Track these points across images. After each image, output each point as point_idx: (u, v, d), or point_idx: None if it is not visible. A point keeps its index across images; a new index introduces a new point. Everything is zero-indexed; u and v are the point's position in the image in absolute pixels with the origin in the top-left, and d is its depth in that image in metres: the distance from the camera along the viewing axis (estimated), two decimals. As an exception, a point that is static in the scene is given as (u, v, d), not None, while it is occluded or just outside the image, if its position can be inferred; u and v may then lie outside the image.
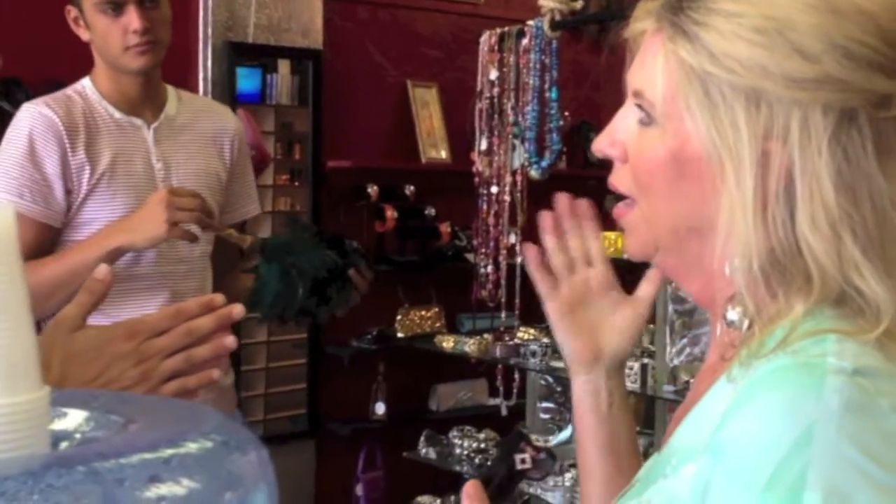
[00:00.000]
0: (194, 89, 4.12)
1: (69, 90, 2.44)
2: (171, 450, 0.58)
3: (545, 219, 1.26)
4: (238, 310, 1.26)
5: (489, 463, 0.92)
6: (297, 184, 4.56)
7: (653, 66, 0.96)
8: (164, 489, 0.56)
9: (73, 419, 0.66)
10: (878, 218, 0.89)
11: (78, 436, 0.65)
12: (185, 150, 2.49)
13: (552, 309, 1.25)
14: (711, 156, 0.92)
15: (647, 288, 1.26)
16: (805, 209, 0.88)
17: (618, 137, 1.01)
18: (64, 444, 0.64)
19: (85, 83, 2.44)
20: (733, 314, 0.94)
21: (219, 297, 1.27)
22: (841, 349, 0.85)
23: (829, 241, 0.88)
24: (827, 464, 0.80)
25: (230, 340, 1.24)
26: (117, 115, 2.42)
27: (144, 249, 2.31)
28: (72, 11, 2.41)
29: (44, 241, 2.34)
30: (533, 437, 0.95)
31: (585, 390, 1.23)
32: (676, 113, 0.94)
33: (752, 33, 0.89)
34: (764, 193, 0.89)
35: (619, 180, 1.02)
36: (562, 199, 1.27)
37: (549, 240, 1.26)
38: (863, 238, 0.88)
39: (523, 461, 0.97)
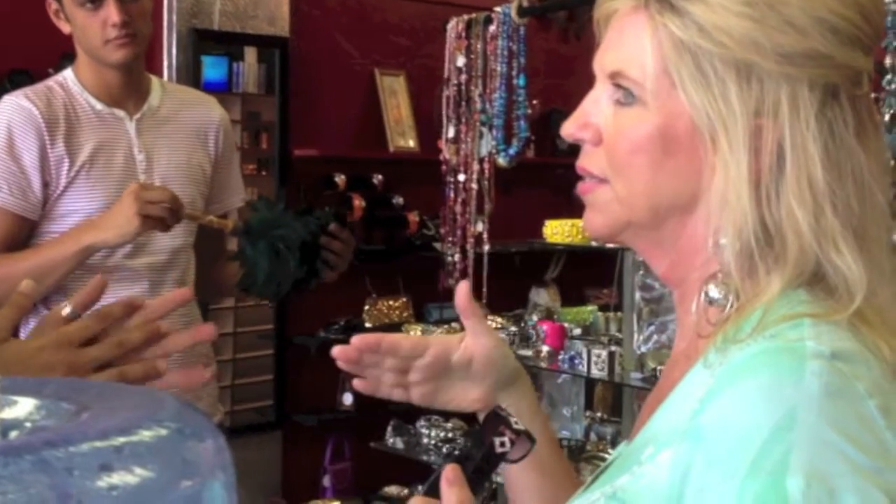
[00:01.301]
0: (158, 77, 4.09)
1: (51, 81, 2.44)
2: (124, 437, 0.57)
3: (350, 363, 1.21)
4: (166, 325, 1.24)
5: (466, 443, 0.90)
6: (263, 173, 4.53)
7: (636, 43, 0.94)
8: (115, 478, 0.54)
9: (24, 407, 0.64)
10: (860, 193, 0.90)
11: (28, 424, 0.63)
12: (168, 141, 2.48)
13: (424, 402, 1.23)
14: (705, 130, 0.91)
15: (469, 325, 1.21)
16: (793, 184, 0.89)
17: (591, 120, 0.99)
18: (14, 433, 0.62)
19: (67, 74, 2.44)
20: (716, 292, 0.93)
21: (139, 299, 1.27)
22: (817, 333, 0.86)
23: (812, 215, 0.88)
24: (809, 448, 0.80)
25: (162, 365, 1.22)
26: (99, 106, 2.41)
27: (118, 246, 2.31)
28: (52, 4, 2.41)
29: (20, 232, 2.35)
30: (512, 420, 0.92)
31: None
32: (665, 89, 0.93)
33: (742, 6, 0.89)
34: (757, 168, 0.89)
35: (591, 163, 1.00)
36: (349, 352, 1.21)
37: (362, 373, 1.22)
38: (844, 213, 0.89)
39: (503, 444, 0.95)
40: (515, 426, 0.95)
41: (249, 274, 2.32)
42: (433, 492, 0.92)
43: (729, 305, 0.92)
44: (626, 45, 0.95)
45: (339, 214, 2.39)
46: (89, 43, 2.37)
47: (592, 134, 0.99)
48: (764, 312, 0.88)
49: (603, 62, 0.98)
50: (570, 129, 1.01)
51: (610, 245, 3.27)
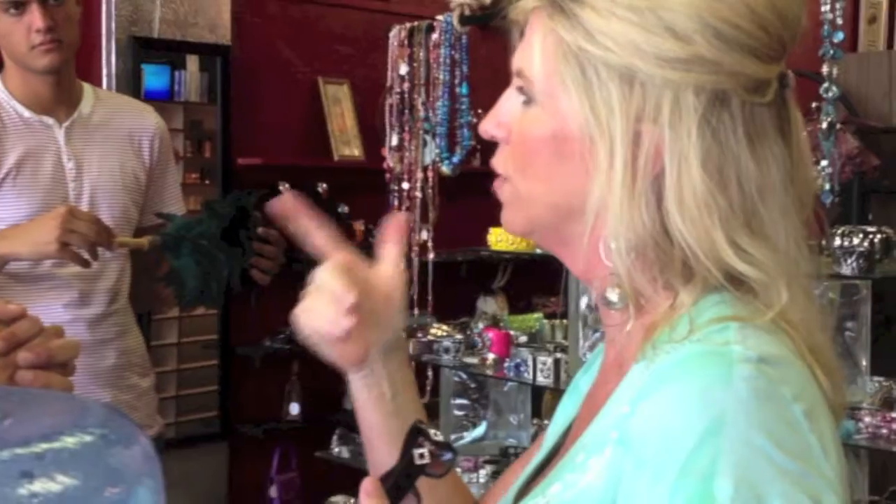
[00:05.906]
0: (98, 86, 4.04)
1: None
2: (46, 444, 0.55)
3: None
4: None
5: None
6: (207, 182, 4.50)
7: (531, 44, 0.95)
8: (37, 486, 0.53)
9: (-57, 415, 0.62)
10: (745, 202, 0.90)
11: (-52, 432, 0.61)
12: (99, 148, 2.44)
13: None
14: (584, 135, 0.91)
15: (388, 253, 1.12)
16: (673, 190, 0.89)
17: (502, 119, 1.00)
18: (-68, 442, 0.60)
19: None
20: (612, 294, 0.93)
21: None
22: (744, 336, 0.86)
23: (696, 223, 0.88)
24: (737, 452, 0.80)
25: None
26: (27, 114, 2.38)
27: (31, 261, 2.26)
28: None
29: None
30: (432, 431, 0.90)
31: (363, 385, 1.12)
32: (554, 91, 0.93)
33: (627, 11, 0.89)
34: (634, 174, 0.89)
35: (497, 161, 1.01)
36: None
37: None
38: (729, 221, 0.89)
39: (422, 456, 0.94)
40: (434, 437, 0.95)
41: (179, 287, 2.27)
42: None
43: (621, 307, 0.92)
44: (527, 44, 0.96)
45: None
46: (14, 49, 2.34)
47: (505, 133, 0.99)
48: (691, 317, 0.88)
49: (514, 59, 0.98)
50: (486, 127, 1.01)
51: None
